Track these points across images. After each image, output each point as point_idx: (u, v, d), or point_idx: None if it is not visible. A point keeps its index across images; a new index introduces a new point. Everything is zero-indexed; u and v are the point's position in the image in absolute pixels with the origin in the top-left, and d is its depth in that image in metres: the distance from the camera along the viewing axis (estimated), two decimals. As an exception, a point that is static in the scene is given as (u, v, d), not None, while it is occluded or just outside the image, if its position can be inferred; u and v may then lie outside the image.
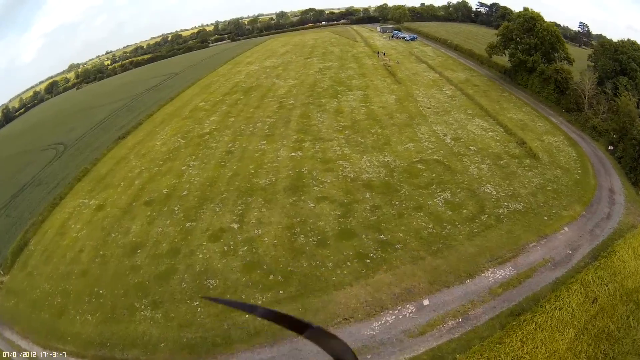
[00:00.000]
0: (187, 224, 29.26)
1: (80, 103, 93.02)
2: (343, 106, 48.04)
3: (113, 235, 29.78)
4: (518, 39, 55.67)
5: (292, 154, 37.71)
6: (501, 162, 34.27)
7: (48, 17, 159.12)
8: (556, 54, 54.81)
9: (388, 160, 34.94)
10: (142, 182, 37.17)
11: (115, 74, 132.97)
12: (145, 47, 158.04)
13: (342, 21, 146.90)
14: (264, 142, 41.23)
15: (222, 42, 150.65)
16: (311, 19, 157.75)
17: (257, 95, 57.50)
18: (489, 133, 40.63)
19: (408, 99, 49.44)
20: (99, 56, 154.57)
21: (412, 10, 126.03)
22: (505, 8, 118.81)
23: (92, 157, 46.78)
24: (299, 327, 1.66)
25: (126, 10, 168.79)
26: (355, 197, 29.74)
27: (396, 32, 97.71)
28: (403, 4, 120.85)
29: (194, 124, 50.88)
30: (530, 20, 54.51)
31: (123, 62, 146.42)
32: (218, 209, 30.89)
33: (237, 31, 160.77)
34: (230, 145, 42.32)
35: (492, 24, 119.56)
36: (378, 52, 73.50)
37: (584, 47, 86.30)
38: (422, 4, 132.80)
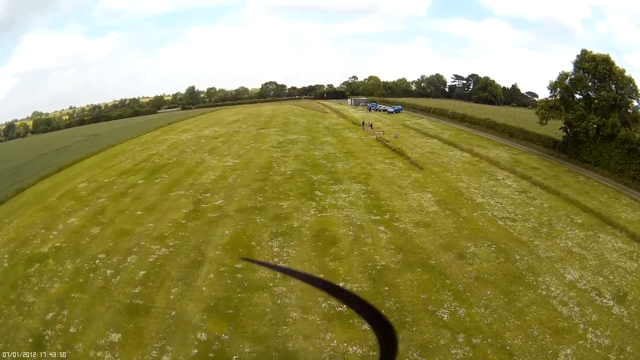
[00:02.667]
0: None
1: (-2, 155, 73.19)
2: (332, 222, 20.74)
3: None
4: (586, 94, 34.21)
5: None
6: None
7: (23, 58, 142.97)
8: (624, 113, 34.85)
9: None
10: None
11: (60, 129, 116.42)
12: (103, 107, 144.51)
13: (305, 96, 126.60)
14: (117, 338, 12.83)
15: (172, 110, 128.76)
16: (271, 92, 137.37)
17: (167, 180, 29.86)
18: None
19: (460, 202, 23.51)
20: (62, 109, 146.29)
21: (384, 84, 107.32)
22: (486, 79, 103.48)
23: None
24: None
25: (95, 68, 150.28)
26: None
27: (372, 104, 76.15)
28: (375, 75, 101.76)
29: (43, 227, 23.61)
30: (604, 64, 33.22)
31: (71, 120, 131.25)
32: None
33: (191, 100, 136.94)
34: (50, 315, 15.30)
35: (471, 97, 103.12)
36: (363, 123, 49.17)
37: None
38: (385, 82, 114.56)
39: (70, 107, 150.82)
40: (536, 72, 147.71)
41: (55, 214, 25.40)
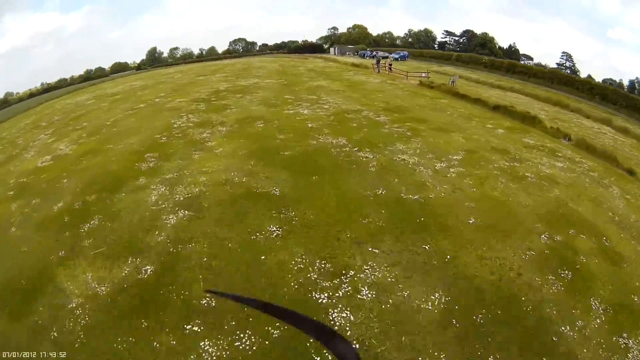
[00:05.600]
0: None
1: None
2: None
3: None
4: None
5: None
6: None
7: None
8: None
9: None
10: None
11: (13, 103, 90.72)
12: (69, 80, 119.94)
13: (278, 52, 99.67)
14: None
15: (126, 73, 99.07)
16: (241, 50, 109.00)
17: None
18: None
19: None
20: (35, 87, 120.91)
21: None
22: (485, 35, 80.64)
23: None
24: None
25: (73, 41, 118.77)
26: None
27: (366, 51, 52.42)
28: (361, 24, 76.82)
29: None
30: None
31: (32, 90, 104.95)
32: None
33: (152, 63, 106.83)
34: None
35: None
36: (378, 62, 26.51)
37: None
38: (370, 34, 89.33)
39: (41, 84, 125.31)
40: (521, 38, 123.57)
41: None
